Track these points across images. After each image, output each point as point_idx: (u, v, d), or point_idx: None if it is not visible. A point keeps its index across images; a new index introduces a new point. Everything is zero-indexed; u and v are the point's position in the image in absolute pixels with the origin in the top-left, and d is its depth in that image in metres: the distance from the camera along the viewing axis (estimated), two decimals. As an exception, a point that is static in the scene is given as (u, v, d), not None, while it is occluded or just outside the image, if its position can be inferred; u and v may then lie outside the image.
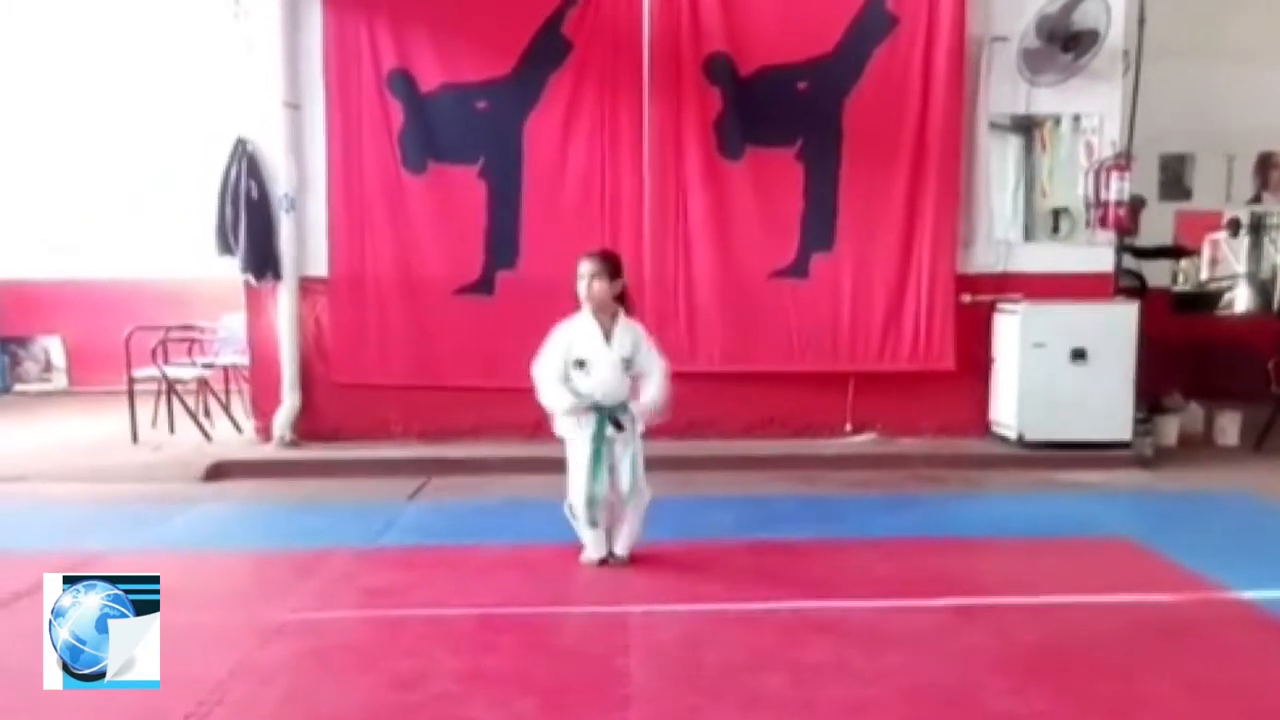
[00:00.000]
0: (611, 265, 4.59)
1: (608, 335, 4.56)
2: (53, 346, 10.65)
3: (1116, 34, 7.06)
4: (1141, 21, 7.08)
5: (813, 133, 7.23)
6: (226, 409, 8.13)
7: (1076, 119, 7.39)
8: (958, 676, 3.42)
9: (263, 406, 7.45)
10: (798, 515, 5.73)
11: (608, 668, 3.49)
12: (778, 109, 7.20)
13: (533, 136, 7.23)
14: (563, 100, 7.20)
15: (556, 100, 7.20)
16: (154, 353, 7.69)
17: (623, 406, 4.59)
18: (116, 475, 6.65)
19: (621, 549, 4.67)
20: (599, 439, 4.54)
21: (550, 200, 7.26)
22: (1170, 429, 7.54)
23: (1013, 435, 7.07)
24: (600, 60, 7.18)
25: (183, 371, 8.01)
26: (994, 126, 7.36)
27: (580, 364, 4.55)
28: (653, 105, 7.22)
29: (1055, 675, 3.43)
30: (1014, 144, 7.43)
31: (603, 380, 4.54)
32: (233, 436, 7.68)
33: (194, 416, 7.82)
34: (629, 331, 4.61)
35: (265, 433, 7.37)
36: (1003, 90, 7.26)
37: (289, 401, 7.32)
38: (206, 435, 7.63)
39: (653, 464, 6.66)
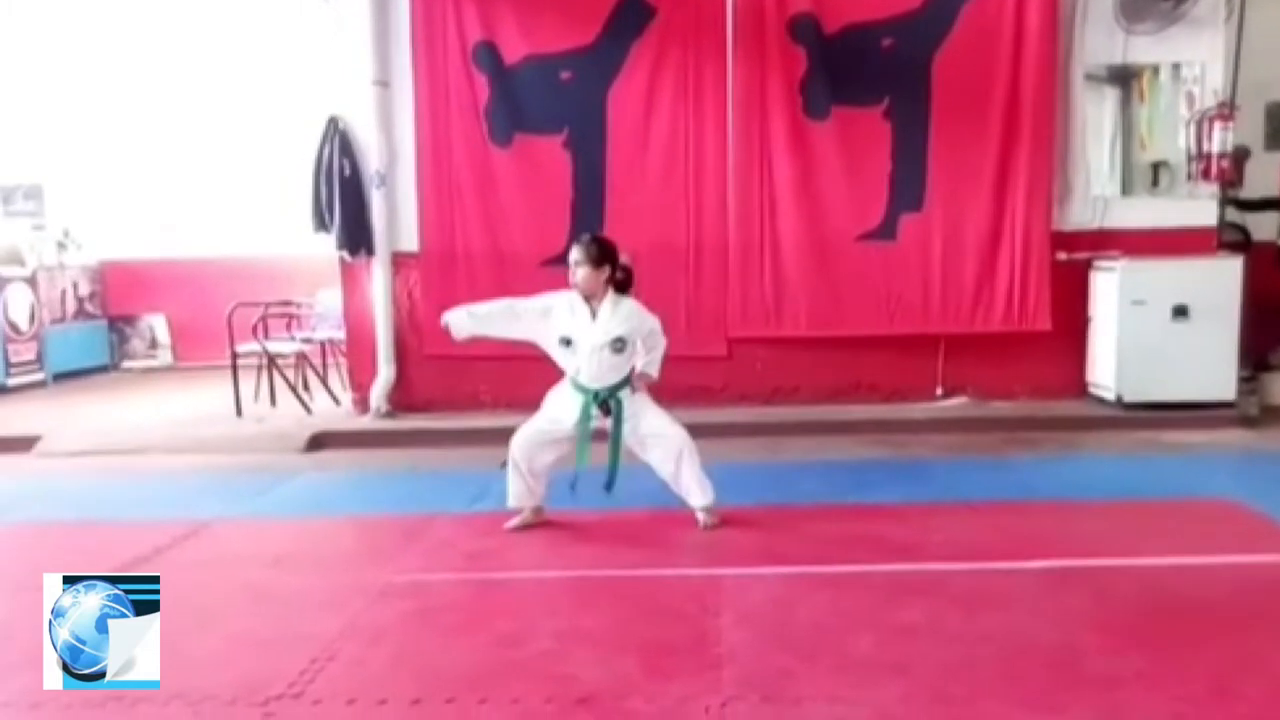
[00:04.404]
0: (597, 253, 4.61)
1: (594, 316, 4.61)
2: (158, 324, 11.05)
3: (1219, -22, 6.79)
4: (1246, -36, 6.80)
5: (900, 91, 7.11)
6: (325, 382, 8.36)
7: (1176, 68, 7.12)
8: (1056, 638, 3.38)
9: (359, 379, 7.67)
10: (889, 479, 5.69)
11: (701, 628, 3.55)
12: (864, 67, 7.10)
13: (616, 105, 7.25)
14: (646, 67, 7.20)
15: (639, 68, 7.20)
16: (254, 328, 7.95)
17: (612, 391, 4.64)
18: (222, 447, 6.92)
19: (697, 500, 4.70)
20: (584, 421, 4.62)
21: (635, 168, 7.28)
22: (1276, 387, 7.29)
23: (1111, 396, 6.92)
24: (683, 26, 7.16)
25: (282, 346, 8.24)
26: (1090, 78, 7.14)
27: (567, 342, 4.64)
28: (736, 68, 7.17)
29: (1156, 637, 3.38)
30: (1111, 95, 7.20)
31: (586, 360, 4.61)
32: (331, 408, 7.92)
33: (294, 390, 8.06)
34: (620, 310, 4.64)
35: (362, 404, 7.58)
36: (1098, 40, 7.03)
37: (384, 374, 7.51)
38: (306, 408, 7.87)
39: (739, 430, 6.73)
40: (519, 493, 4.80)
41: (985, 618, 3.58)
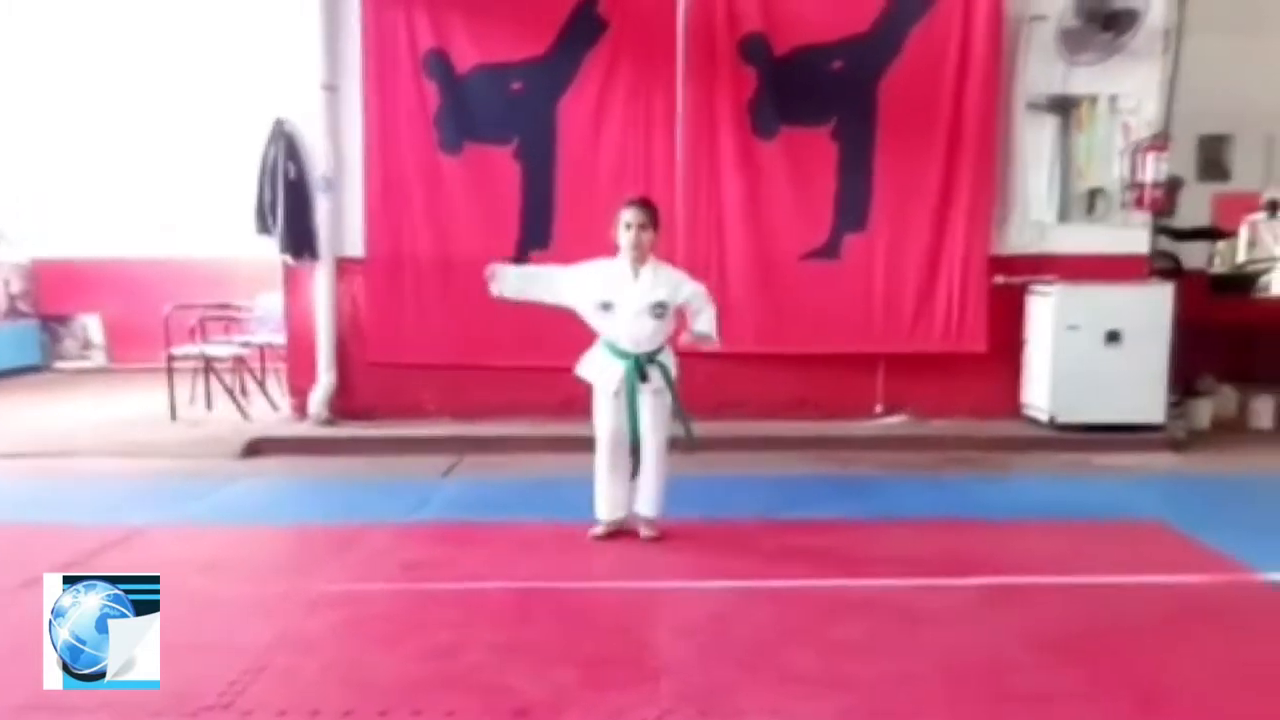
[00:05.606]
0: (656, 215, 4.61)
1: (635, 278, 4.57)
2: (91, 324, 10.82)
3: (1157, 13, 6.98)
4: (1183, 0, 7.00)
5: (847, 112, 7.20)
6: (263, 387, 8.23)
7: (1114, 99, 7.28)
8: (990, 655, 3.44)
9: (299, 385, 7.55)
10: (829, 496, 5.75)
11: (640, 641, 3.55)
12: (813, 88, 7.17)
13: (567, 117, 7.25)
14: (597, 81, 7.21)
15: (591, 81, 7.21)
16: (192, 331, 7.80)
17: (649, 357, 4.60)
18: (156, 451, 6.77)
19: (645, 508, 4.71)
20: (631, 386, 4.57)
21: (584, 180, 7.26)
22: (1203, 412, 7.49)
23: (1045, 418, 7.05)
24: (635, 41, 7.18)
25: (220, 350, 8.10)
26: (1030, 106, 7.28)
27: (606, 306, 4.56)
28: (687, 85, 7.20)
29: (1087, 655, 3.45)
30: (1050, 124, 7.34)
31: (627, 324, 4.55)
32: (269, 414, 7.79)
33: (231, 394, 7.93)
34: (660, 273, 4.62)
35: (301, 411, 7.47)
36: (1040, 70, 7.19)
37: (325, 380, 7.40)
38: (244, 413, 7.73)
39: (682, 444, 6.69)
40: (613, 503, 4.74)
41: (923, 633, 3.63)
